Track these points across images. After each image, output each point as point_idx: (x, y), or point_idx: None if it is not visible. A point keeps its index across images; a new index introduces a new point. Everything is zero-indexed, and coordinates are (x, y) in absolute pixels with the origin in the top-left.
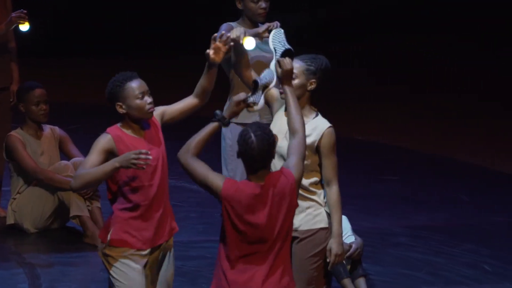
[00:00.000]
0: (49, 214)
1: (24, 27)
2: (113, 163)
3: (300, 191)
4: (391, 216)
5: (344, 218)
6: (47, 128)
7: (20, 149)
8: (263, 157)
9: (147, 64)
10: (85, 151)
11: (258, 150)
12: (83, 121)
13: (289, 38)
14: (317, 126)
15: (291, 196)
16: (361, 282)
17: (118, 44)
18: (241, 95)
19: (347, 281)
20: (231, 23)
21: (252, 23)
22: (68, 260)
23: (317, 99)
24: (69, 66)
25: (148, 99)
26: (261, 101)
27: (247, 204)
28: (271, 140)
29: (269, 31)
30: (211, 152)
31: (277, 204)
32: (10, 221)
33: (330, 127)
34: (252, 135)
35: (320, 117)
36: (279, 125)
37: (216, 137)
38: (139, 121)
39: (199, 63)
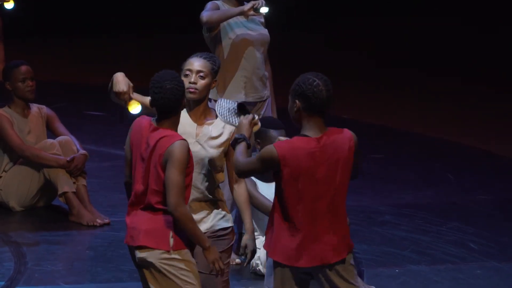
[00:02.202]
0: (35, 192)
1: (9, 4)
2: None
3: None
4: (377, 195)
5: None
6: (35, 107)
7: (7, 127)
8: (329, 99)
9: (128, 41)
10: (71, 130)
11: (326, 92)
12: (69, 100)
13: (278, 16)
14: (225, 125)
15: (350, 151)
16: None
17: (104, 22)
18: (249, 117)
19: None
20: (216, 1)
21: (238, 1)
22: (53, 239)
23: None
24: (54, 44)
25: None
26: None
27: (305, 159)
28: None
29: (254, 9)
30: None
31: (335, 156)
32: None
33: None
34: (316, 79)
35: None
36: None
37: None
38: None
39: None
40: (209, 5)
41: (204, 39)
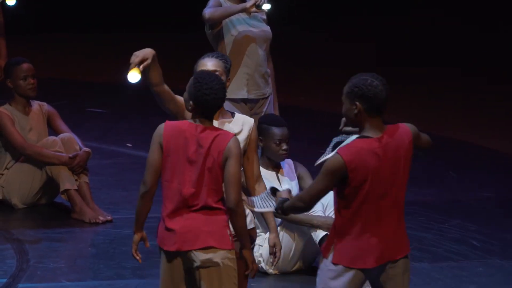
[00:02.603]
0: (37, 189)
1: (11, 1)
2: None
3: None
4: None
5: (331, 193)
6: (36, 104)
7: (8, 125)
8: (388, 98)
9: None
10: (73, 127)
11: (385, 91)
12: (70, 97)
13: (280, 13)
14: (244, 121)
15: (410, 145)
16: None
17: (106, 20)
18: (286, 190)
19: None
20: None
21: None
22: (56, 236)
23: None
24: (56, 41)
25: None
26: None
27: (370, 161)
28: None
29: (256, 6)
30: None
31: (397, 153)
32: None
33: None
34: (373, 79)
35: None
36: None
37: None
38: None
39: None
40: (211, 2)
41: (207, 36)
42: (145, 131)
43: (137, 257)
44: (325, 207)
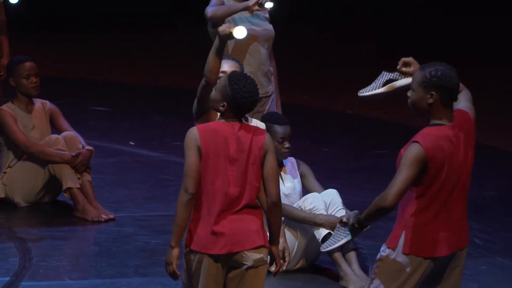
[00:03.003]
0: (40, 188)
1: None
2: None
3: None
4: (381, 191)
5: (334, 191)
6: (38, 102)
7: (11, 123)
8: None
9: (132, 37)
10: (75, 126)
11: (456, 77)
12: (73, 95)
13: (282, 11)
14: (258, 125)
15: (474, 133)
16: (352, 256)
17: (107, 19)
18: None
19: (337, 255)
20: None
21: None
22: (58, 234)
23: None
24: (59, 40)
25: None
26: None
27: (447, 148)
28: None
29: (259, 4)
30: None
31: (467, 141)
32: (0, 195)
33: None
34: (446, 69)
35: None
36: None
37: None
38: None
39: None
40: (213, 0)
41: (209, 35)
42: (147, 129)
43: (178, 274)
44: (328, 205)
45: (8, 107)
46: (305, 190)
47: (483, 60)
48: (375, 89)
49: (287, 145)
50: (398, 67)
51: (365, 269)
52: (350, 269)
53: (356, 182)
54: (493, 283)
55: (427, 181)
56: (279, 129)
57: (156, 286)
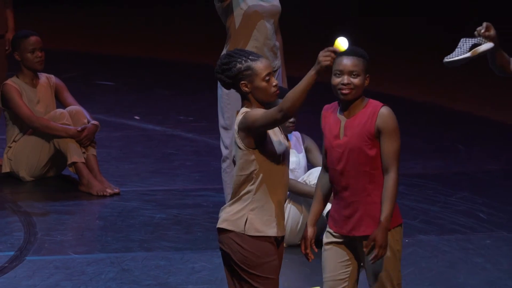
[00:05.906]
0: (45, 162)
1: None
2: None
3: None
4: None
5: None
6: (43, 77)
7: (16, 98)
8: None
9: (139, 11)
10: (81, 100)
11: None
12: (79, 69)
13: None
14: None
15: None
16: None
17: None
18: None
19: None
20: None
21: None
22: (63, 209)
23: None
24: (64, 13)
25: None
26: None
27: None
28: None
29: None
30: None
31: None
32: (5, 169)
33: None
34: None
35: None
36: None
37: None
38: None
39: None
40: None
41: (216, 10)
42: (152, 104)
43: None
44: None
45: (13, 82)
46: (310, 165)
47: None
48: (462, 54)
49: (292, 119)
50: (482, 31)
51: None
52: None
53: None
54: (497, 257)
55: None
56: None
57: (161, 260)
